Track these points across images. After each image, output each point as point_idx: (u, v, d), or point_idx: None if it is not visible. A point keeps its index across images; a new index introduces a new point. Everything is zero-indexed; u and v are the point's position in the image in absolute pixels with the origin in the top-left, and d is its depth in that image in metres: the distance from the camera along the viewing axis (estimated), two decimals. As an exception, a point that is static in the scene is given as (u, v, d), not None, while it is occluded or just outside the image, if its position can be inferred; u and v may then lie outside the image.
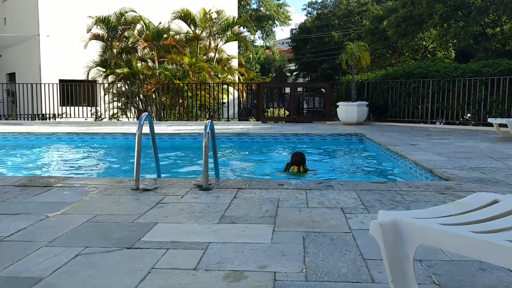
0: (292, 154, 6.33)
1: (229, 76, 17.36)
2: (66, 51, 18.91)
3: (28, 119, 15.27)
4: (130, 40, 16.08)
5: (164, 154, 7.71)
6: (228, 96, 15.48)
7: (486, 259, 1.46)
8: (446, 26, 22.87)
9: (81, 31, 16.33)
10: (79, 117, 14.94)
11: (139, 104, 15.93)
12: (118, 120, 15.61)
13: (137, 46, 15.58)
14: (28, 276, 2.13)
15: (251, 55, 34.18)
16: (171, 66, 15.78)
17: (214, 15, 16.83)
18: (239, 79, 17.60)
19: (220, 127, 10.74)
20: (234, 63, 20.09)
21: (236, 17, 18.79)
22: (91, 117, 15.39)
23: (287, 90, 16.42)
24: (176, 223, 3.00)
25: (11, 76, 22.55)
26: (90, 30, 15.76)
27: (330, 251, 2.45)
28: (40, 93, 14.86)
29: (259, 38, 45.55)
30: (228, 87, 15.70)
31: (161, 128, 10.51)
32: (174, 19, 16.71)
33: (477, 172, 4.82)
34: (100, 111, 15.69)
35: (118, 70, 14.87)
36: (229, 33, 17.01)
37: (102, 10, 16.17)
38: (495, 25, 23.43)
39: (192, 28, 16.92)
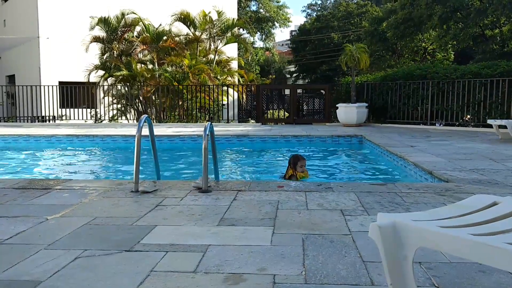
0: None
1: (229, 78, 17.38)
2: (65, 53, 18.91)
3: (27, 121, 15.27)
4: (130, 42, 16.10)
5: (164, 156, 7.71)
6: (227, 98, 15.50)
7: (485, 261, 1.46)
8: (445, 27, 22.88)
9: (81, 33, 16.34)
10: (78, 119, 14.94)
11: (138, 106, 15.94)
12: (118, 122, 15.61)
13: (136, 48, 15.60)
14: (27, 279, 2.13)
15: (250, 57, 34.19)
16: (170, 68, 15.80)
17: (214, 17, 16.85)
18: (238, 80, 17.62)
19: (220, 129, 10.74)
20: (234, 64, 20.09)
21: (236, 19, 18.79)
22: (90, 119, 15.39)
23: (287, 91, 16.43)
24: (176, 225, 2.99)
25: (11, 78, 22.55)
26: (93, 28, 15.76)
27: (329, 254, 2.45)
28: (39, 95, 14.86)
29: (258, 39, 45.61)
30: (227, 89, 15.71)
31: (160, 130, 10.51)
32: (174, 22, 16.74)
33: (476, 173, 4.82)
34: (100, 113, 15.69)
35: (117, 73, 14.88)
36: (228, 35, 17.04)
37: (102, 12, 16.20)
38: (494, 27, 23.44)
39: (192, 30, 16.95)
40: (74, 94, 15.35)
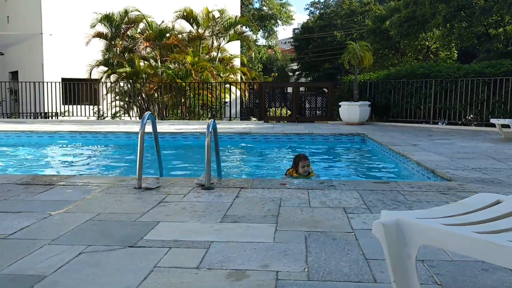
0: None
1: (232, 76, 17.37)
2: (68, 49, 18.95)
3: (30, 118, 15.30)
4: (133, 39, 16.10)
5: (166, 153, 7.72)
6: (230, 95, 15.50)
7: (489, 259, 1.46)
8: (449, 26, 22.80)
9: (84, 30, 16.35)
10: (81, 115, 14.97)
11: (141, 103, 15.96)
12: (121, 119, 15.64)
13: (139, 45, 15.61)
14: (31, 274, 2.14)
15: (253, 55, 34.17)
16: (173, 66, 15.80)
17: (217, 14, 16.84)
18: (241, 78, 17.61)
19: (222, 127, 10.74)
20: (237, 62, 20.08)
21: (239, 16, 18.77)
22: (93, 115, 15.42)
23: (289, 89, 16.43)
24: (179, 222, 3.01)
25: (14, 75, 22.60)
26: (95, 26, 15.77)
27: (332, 251, 2.46)
28: (42, 91, 14.89)
29: (261, 37, 45.51)
30: (230, 87, 15.71)
31: (163, 127, 10.53)
32: (177, 19, 16.73)
33: (479, 172, 4.82)
34: (103, 109, 15.72)
35: (120, 69, 14.89)
36: (231, 32, 17.02)
37: (106, 8, 16.20)
38: (498, 26, 23.35)
39: (195, 27, 16.94)
40: (77, 91, 15.37)
